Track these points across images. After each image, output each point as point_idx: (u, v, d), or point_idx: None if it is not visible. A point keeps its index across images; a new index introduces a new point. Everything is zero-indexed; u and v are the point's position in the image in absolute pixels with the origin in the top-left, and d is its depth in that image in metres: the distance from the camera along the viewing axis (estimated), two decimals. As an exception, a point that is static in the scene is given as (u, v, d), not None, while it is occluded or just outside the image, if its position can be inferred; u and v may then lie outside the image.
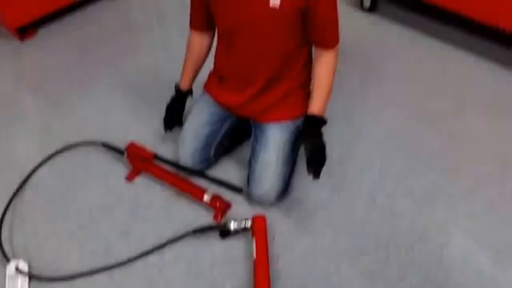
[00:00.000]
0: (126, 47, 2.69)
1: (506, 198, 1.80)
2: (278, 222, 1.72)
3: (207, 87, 1.88)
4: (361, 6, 2.84)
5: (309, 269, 1.60)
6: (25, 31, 2.72)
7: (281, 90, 1.71)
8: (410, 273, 1.58)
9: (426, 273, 1.58)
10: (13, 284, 1.54)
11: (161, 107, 1.94)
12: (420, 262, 1.61)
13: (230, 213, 1.75)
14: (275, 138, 1.72)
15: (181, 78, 1.88)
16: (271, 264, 1.55)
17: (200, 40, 1.81)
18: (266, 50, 1.61)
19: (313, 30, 1.57)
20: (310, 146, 1.57)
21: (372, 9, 2.82)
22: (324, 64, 1.63)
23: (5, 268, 1.57)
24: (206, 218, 1.74)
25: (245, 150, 1.96)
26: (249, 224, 1.62)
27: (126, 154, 1.88)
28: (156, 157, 1.85)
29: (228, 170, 1.91)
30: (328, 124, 1.64)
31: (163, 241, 1.66)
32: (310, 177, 1.55)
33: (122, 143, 1.93)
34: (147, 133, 2.07)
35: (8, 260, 1.59)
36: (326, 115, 1.65)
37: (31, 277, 1.57)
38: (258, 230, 1.59)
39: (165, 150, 1.93)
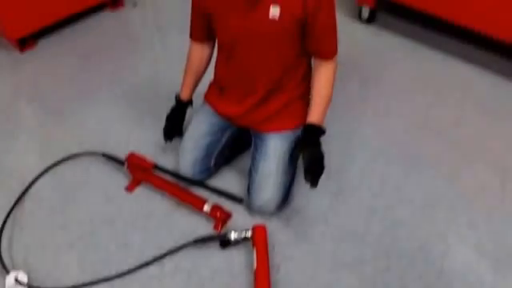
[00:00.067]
0: (126, 58, 2.70)
1: (506, 207, 1.81)
2: (279, 232, 1.72)
3: (207, 98, 1.89)
4: (359, 17, 2.86)
5: (309, 279, 1.60)
6: (25, 42, 2.73)
7: (281, 100, 1.72)
8: (410, 282, 1.58)
9: (426, 282, 1.58)
10: (12, 295, 1.53)
11: (161, 117, 1.95)
12: (420, 272, 1.61)
13: (231, 223, 1.74)
14: (275, 148, 1.72)
15: (181, 88, 1.89)
16: (272, 274, 1.55)
17: (200, 51, 1.82)
18: (265, 61, 1.62)
19: (311, 41, 1.58)
20: (308, 154, 1.58)
21: (370, 20, 2.84)
22: (323, 75, 1.65)
23: (4, 279, 1.56)
24: (206, 228, 1.73)
25: (245, 160, 1.97)
26: (249, 234, 1.62)
27: (126, 165, 1.89)
28: (156, 167, 1.85)
29: (228, 179, 1.92)
30: (327, 133, 1.65)
31: (163, 251, 1.65)
32: (312, 187, 1.55)
33: (122, 154, 1.93)
34: (147, 143, 2.07)
35: (7, 271, 1.59)
36: (326, 125, 1.66)
37: (31, 288, 1.56)
38: (259, 240, 1.59)
39: (165, 160, 1.94)
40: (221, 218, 1.71)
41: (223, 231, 1.70)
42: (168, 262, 1.65)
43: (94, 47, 2.79)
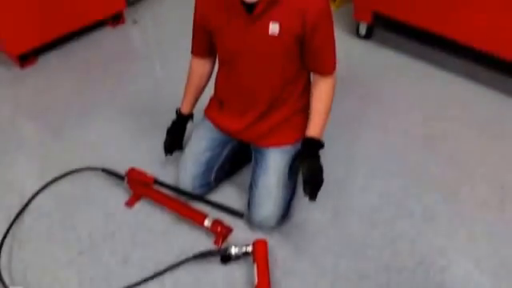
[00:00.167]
0: (126, 74, 2.72)
1: (506, 221, 1.81)
2: (279, 247, 1.72)
3: (207, 112, 1.90)
4: (357, 33, 2.89)
5: (310, 294, 1.59)
6: (26, 58, 2.74)
7: (281, 115, 1.73)
8: (411, 297, 1.58)
9: (427, 297, 1.58)
10: (12, 312, 1.52)
11: (161, 133, 1.96)
12: (421, 286, 1.60)
13: (231, 238, 1.74)
14: (275, 163, 1.73)
15: (182, 102, 1.91)
16: (273, 289, 1.54)
17: (201, 66, 1.84)
18: (265, 77, 1.64)
19: (310, 56, 1.60)
20: (307, 167, 1.59)
21: (368, 36, 2.87)
22: (322, 90, 1.66)
23: (4, 295, 1.56)
24: (206, 243, 1.73)
25: (245, 175, 1.97)
26: (250, 249, 1.61)
27: (126, 180, 1.89)
28: (156, 182, 1.85)
29: (228, 194, 1.92)
30: (327, 148, 1.66)
31: (163, 267, 1.65)
32: (311, 200, 1.56)
33: (122, 169, 1.93)
34: (147, 158, 2.07)
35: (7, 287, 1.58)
36: (325, 139, 1.67)
37: (30, 304, 1.55)
38: (259, 255, 1.58)
39: (165, 175, 1.93)
40: (221, 232, 1.71)
41: (224, 246, 1.69)
42: (168, 278, 1.64)
43: (94, 63, 2.81)
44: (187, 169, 1.82)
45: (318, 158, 1.62)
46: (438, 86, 2.52)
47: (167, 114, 1.99)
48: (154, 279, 1.63)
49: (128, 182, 1.89)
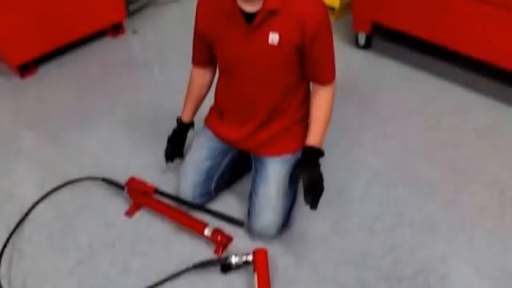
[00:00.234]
0: (127, 84, 2.73)
1: (506, 228, 1.82)
2: (280, 256, 1.72)
3: (208, 122, 1.91)
4: (356, 43, 2.91)
5: (311, 303, 1.59)
6: (26, 68, 2.75)
7: (281, 124, 1.74)
8: (412, 305, 1.58)
9: (428, 305, 1.58)
10: (11, 322, 1.52)
11: (161, 141, 1.97)
12: (422, 295, 1.61)
13: (231, 247, 1.74)
14: (275, 172, 1.73)
15: (182, 111, 1.92)
16: (273, 298, 1.54)
17: (202, 75, 1.85)
18: (265, 85, 1.65)
19: (310, 66, 1.62)
20: (307, 176, 1.59)
21: (367, 46, 2.89)
22: (322, 99, 1.67)
23: (3, 305, 1.55)
24: (206, 252, 1.73)
25: (245, 184, 1.97)
26: (250, 258, 1.61)
27: (126, 189, 1.89)
28: (156, 191, 1.85)
29: (229, 203, 1.92)
30: (327, 157, 1.67)
31: (164, 276, 1.64)
32: (312, 209, 1.56)
33: (122, 178, 1.93)
34: (147, 167, 2.08)
35: (7, 297, 1.58)
36: (325, 148, 1.67)
37: (30, 314, 1.55)
38: (260, 264, 1.58)
39: (165, 185, 1.94)
40: (221, 241, 1.71)
41: (224, 255, 1.69)
42: None
43: (94, 73, 2.81)
44: (188, 177, 1.83)
45: (318, 166, 1.62)
46: (437, 94, 2.54)
47: (167, 123, 2.00)
48: (154, 289, 1.62)
49: (128, 192, 1.89)
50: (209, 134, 1.87)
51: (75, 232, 1.85)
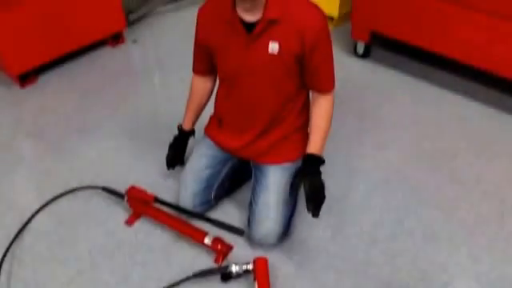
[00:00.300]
0: (127, 92, 2.74)
1: (506, 237, 1.82)
2: (280, 264, 1.71)
3: (207, 131, 1.91)
4: (354, 52, 2.93)
5: (312, 312, 1.59)
6: (26, 78, 2.76)
7: (280, 133, 1.75)
8: (413, 314, 1.57)
9: (429, 314, 1.57)
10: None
11: (161, 151, 1.97)
12: (423, 303, 1.60)
13: (232, 255, 1.74)
14: (275, 180, 1.74)
15: (184, 118, 1.94)
16: (274, 307, 1.54)
17: (202, 84, 1.87)
18: (265, 94, 1.65)
19: (309, 75, 1.63)
20: (309, 184, 1.59)
21: (365, 55, 2.91)
22: (322, 107, 1.68)
23: (3, 315, 1.55)
24: (206, 261, 1.73)
25: (245, 192, 1.97)
26: (250, 267, 1.61)
27: (126, 198, 1.89)
28: (157, 200, 1.85)
29: (229, 212, 1.92)
30: (327, 166, 1.67)
31: (164, 285, 1.63)
32: (311, 217, 1.56)
33: (122, 187, 1.93)
34: (147, 176, 2.08)
35: (6, 307, 1.57)
36: (325, 157, 1.67)
37: (29, 324, 1.54)
38: (260, 273, 1.58)
39: (165, 193, 1.93)
40: (222, 250, 1.71)
41: (224, 264, 1.69)
42: (169, 296, 1.63)
43: (94, 83, 2.82)
44: (188, 186, 1.83)
45: (319, 174, 1.62)
46: (437, 103, 2.55)
47: (167, 131, 2.01)
48: (155, 298, 1.62)
49: (128, 201, 1.89)
50: (209, 142, 1.88)
51: (75, 241, 1.84)
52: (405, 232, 1.84)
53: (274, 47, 1.53)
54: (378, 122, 2.42)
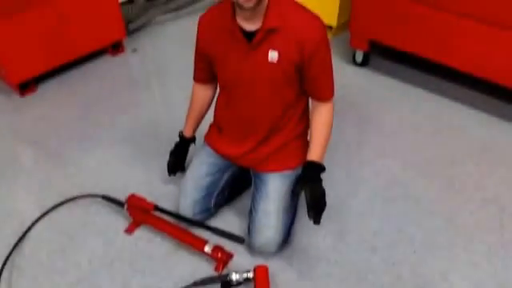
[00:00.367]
0: (126, 101, 2.75)
1: (506, 244, 1.82)
2: (281, 272, 1.71)
3: (207, 139, 1.92)
4: (353, 60, 2.94)
5: (312, 320, 1.58)
6: (26, 87, 2.77)
7: (280, 140, 1.75)
8: (414, 322, 1.57)
9: (430, 322, 1.57)
10: None
11: (161, 159, 1.98)
12: (424, 311, 1.60)
13: (232, 263, 1.73)
14: (275, 188, 1.74)
15: (184, 126, 1.96)
16: (274, 315, 1.53)
17: (203, 92, 1.88)
18: (265, 102, 1.66)
19: (309, 83, 1.64)
20: (310, 191, 1.59)
21: (364, 63, 2.92)
22: (323, 115, 1.68)
23: (2, 324, 1.54)
24: (207, 269, 1.72)
25: (245, 200, 1.98)
26: (251, 275, 1.60)
27: (126, 206, 1.89)
28: (157, 208, 1.85)
29: (228, 219, 1.92)
30: (327, 174, 1.67)
31: (164, 293, 1.64)
32: (311, 225, 1.57)
33: (121, 195, 1.93)
34: (147, 185, 2.08)
35: (5, 316, 1.56)
36: (325, 165, 1.68)
37: (29, 333, 1.53)
38: (261, 281, 1.58)
39: (165, 202, 1.93)
40: (222, 258, 1.71)
41: (224, 272, 1.68)
42: (169, 305, 1.63)
43: (94, 91, 2.83)
44: (188, 194, 1.83)
45: (320, 181, 1.63)
46: (435, 111, 2.56)
47: (167, 140, 2.02)
48: (155, 306, 1.62)
49: (128, 209, 1.89)
50: (209, 150, 1.88)
51: (75, 250, 1.84)
52: (405, 240, 1.84)
53: (273, 56, 1.54)
54: (376, 130, 2.43)
